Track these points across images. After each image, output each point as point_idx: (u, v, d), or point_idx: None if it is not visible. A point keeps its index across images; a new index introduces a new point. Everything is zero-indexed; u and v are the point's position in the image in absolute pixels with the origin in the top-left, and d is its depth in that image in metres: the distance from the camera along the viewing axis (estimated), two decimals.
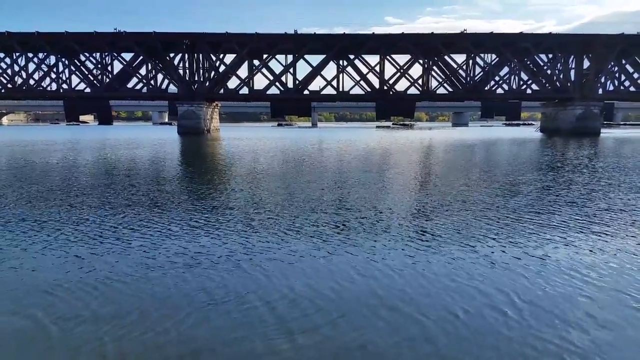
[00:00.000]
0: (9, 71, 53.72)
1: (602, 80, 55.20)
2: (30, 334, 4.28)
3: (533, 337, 4.17)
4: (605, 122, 62.90)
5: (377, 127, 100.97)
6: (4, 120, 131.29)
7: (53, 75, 53.75)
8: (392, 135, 55.56)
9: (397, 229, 8.13)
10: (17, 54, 52.89)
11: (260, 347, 4.01)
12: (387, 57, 53.80)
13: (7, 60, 53.59)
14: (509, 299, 5.02)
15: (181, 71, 53.58)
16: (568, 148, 30.22)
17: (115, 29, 51.53)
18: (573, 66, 54.55)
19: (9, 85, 53.54)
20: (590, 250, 6.75)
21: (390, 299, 5.02)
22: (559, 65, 54.69)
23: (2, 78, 53.60)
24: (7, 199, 11.09)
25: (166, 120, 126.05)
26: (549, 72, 55.10)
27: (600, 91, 55.02)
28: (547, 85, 54.95)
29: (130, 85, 54.99)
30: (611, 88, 55.56)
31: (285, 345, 4.04)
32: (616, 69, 55.01)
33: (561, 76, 54.52)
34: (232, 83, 55.32)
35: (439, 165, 20.08)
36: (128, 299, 5.02)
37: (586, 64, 54.22)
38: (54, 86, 54.20)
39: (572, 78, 54.19)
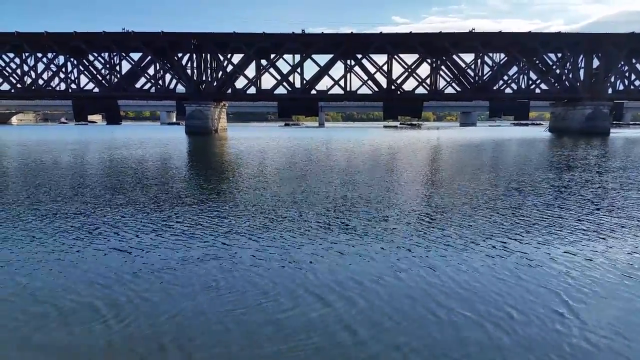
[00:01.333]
0: (18, 71, 54.05)
1: (612, 79, 54.80)
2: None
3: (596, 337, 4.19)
4: (614, 122, 62.38)
5: (385, 126, 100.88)
6: (14, 119, 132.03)
7: (62, 75, 54.02)
8: (401, 135, 55.39)
9: (431, 228, 8.20)
10: (27, 54, 53.21)
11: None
12: (395, 56, 53.61)
13: (17, 60, 53.93)
14: (560, 298, 5.03)
15: (189, 71, 53.69)
16: (580, 148, 29.96)
17: (124, 29, 51.83)
18: (582, 65, 54.17)
19: (18, 85, 53.87)
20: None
21: (441, 297, 5.07)
22: (568, 64, 54.31)
23: (11, 78, 53.94)
24: (50, 195, 11.16)
25: (174, 120, 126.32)
26: (558, 71, 54.73)
27: (609, 91, 54.59)
28: (556, 84, 54.59)
29: (138, 85, 55.19)
30: (621, 87, 55.11)
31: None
32: (626, 68, 54.56)
33: (570, 76, 54.13)
34: (240, 83, 55.47)
35: (457, 167, 19.88)
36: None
37: (595, 63, 53.84)
38: (62, 86, 54.53)
39: (582, 77, 53.81)
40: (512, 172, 16.94)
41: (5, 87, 54.03)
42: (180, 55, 54.11)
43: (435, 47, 52.35)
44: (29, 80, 54.21)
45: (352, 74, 53.81)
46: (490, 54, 54.57)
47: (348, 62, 53.45)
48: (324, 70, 53.22)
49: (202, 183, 14.33)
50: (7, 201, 10.77)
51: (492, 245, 7.07)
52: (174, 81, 55.09)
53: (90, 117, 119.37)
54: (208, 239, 7.40)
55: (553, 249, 6.84)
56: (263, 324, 4.43)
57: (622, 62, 53.77)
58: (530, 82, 54.75)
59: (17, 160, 22.41)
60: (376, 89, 53.78)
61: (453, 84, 55.17)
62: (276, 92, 54.47)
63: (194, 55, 53.27)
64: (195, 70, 53.55)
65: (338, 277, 5.66)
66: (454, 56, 53.73)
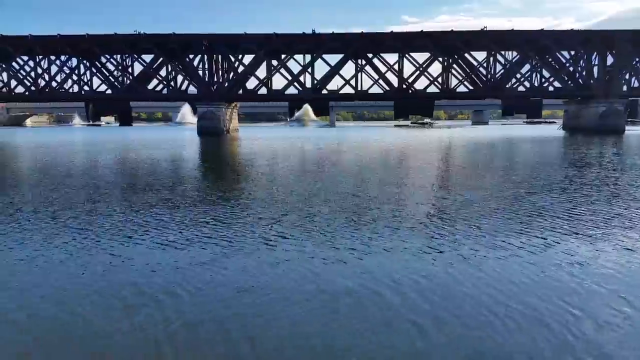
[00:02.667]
0: (32, 74, 54.62)
1: (626, 76, 54.13)
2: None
3: None
4: (628, 120, 61.61)
5: (396, 125, 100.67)
6: (28, 122, 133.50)
7: (75, 78, 54.50)
8: (415, 135, 55.14)
9: (464, 226, 8.26)
10: (40, 57, 53.78)
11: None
12: (406, 55, 53.40)
13: (31, 63, 54.50)
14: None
15: (200, 72, 53.89)
16: (599, 146, 29.60)
17: (135, 31, 52.09)
18: (596, 63, 53.56)
19: (32, 88, 54.47)
20: None
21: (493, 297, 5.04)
22: (581, 62, 53.76)
23: (25, 81, 54.55)
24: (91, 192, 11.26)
25: (184, 120, 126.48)
26: (571, 69, 54.19)
27: (624, 88, 53.92)
28: (569, 82, 54.03)
29: (150, 86, 55.48)
30: (636, 84, 54.41)
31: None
32: None
33: (584, 73, 53.58)
34: (251, 83, 55.47)
35: (478, 166, 19.72)
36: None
37: (609, 60, 53.20)
38: (75, 88, 54.96)
39: (595, 75, 53.22)
40: (540, 172, 16.78)
41: (20, 89, 54.67)
42: (191, 56, 54.34)
43: (446, 45, 52.08)
44: (42, 83, 54.78)
45: (363, 73, 53.69)
46: (503, 52, 54.13)
47: (359, 61, 53.32)
48: (334, 70, 53.15)
49: (226, 183, 14.37)
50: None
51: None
52: (186, 82, 55.35)
53: (103, 119, 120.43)
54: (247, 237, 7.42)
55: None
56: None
57: (637, 59, 53.10)
58: (543, 80, 54.28)
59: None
60: (387, 88, 53.60)
61: (465, 83, 54.84)
62: (287, 92, 54.53)
63: (205, 57, 53.46)
64: (206, 72, 53.74)
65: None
66: (466, 54, 53.39)
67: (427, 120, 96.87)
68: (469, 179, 15.34)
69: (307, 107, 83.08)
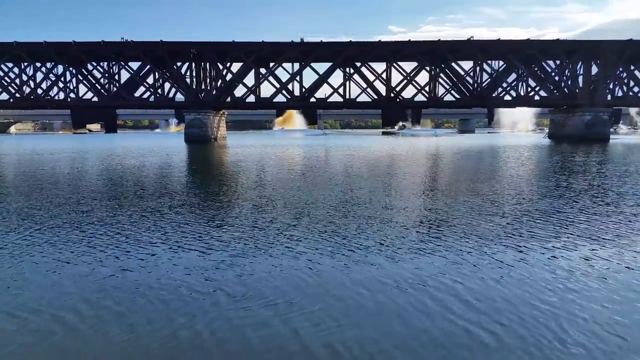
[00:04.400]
0: (17, 81, 54.06)
1: (611, 86, 54.98)
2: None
3: None
4: (612, 128, 62.52)
5: (383, 132, 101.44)
6: (12, 129, 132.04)
7: (61, 85, 54.02)
8: (407, 142, 55.29)
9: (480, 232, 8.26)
10: (25, 63, 53.24)
11: None
12: (394, 64, 53.78)
13: (16, 69, 53.96)
14: None
15: (188, 80, 53.68)
16: (585, 154, 29.89)
17: (122, 38, 51.79)
18: (581, 72, 54.32)
19: (17, 95, 53.85)
20: None
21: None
22: (566, 71, 54.49)
23: (10, 87, 53.92)
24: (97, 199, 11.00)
25: (171, 129, 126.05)
26: (556, 78, 54.90)
27: (608, 97, 54.72)
28: (555, 91, 54.72)
29: (137, 94, 55.12)
30: (620, 94, 55.31)
31: None
32: (625, 74, 54.77)
33: (569, 82, 54.29)
34: (239, 91, 55.40)
35: (473, 173, 19.73)
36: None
37: (594, 70, 54.01)
38: (61, 95, 54.47)
39: (580, 84, 53.95)
40: (537, 178, 16.83)
41: (4, 96, 54.04)
42: (179, 64, 54.16)
43: (434, 54, 52.57)
44: (27, 90, 54.20)
45: (351, 81, 53.93)
46: (489, 62, 54.74)
47: (347, 70, 53.55)
48: (323, 78, 53.30)
49: (214, 190, 14.19)
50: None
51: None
52: (173, 90, 55.14)
53: (88, 126, 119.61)
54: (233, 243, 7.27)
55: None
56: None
57: (621, 69, 53.97)
58: (529, 89, 54.92)
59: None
60: (375, 97, 53.84)
61: (452, 92, 55.33)
62: (275, 100, 54.52)
63: (193, 64, 53.31)
64: (194, 79, 53.56)
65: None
66: (453, 64, 53.90)
67: (401, 123, 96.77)
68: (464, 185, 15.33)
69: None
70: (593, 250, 7.17)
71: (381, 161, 27.02)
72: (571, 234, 8.25)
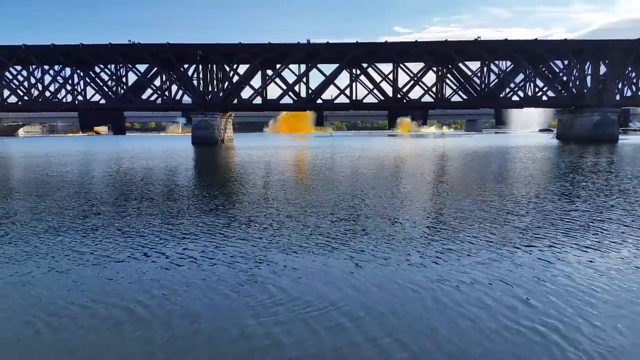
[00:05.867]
0: (25, 84, 54.43)
1: (619, 86, 54.57)
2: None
3: None
4: (620, 129, 62.01)
5: (389, 135, 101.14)
6: (20, 132, 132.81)
7: (68, 87, 54.31)
8: (417, 144, 55.15)
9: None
10: (34, 66, 53.60)
11: None
12: (401, 65, 53.66)
13: (24, 72, 54.39)
14: None
15: (195, 82, 53.80)
16: (595, 155, 29.65)
17: (130, 41, 52.00)
18: (589, 72, 53.95)
19: (26, 98, 54.19)
20: None
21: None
22: (574, 71, 54.15)
23: (18, 90, 54.28)
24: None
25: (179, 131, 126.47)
26: (564, 78, 54.58)
27: (617, 97, 54.32)
28: (562, 92, 54.40)
29: (144, 96, 55.31)
30: (629, 94, 54.86)
31: None
32: (633, 74, 54.33)
33: (577, 82, 53.95)
34: (246, 93, 55.47)
35: (486, 175, 19.61)
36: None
37: (602, 70, 53.64)
38: (69, 98, 54.74)
39: (589, 84, 53.59)
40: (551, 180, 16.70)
41: (13, 99, 54.40)
42: (186, 66, 54.29)
43: (440, 55, 52.40)
44: (36, 93, 54.53)
45: (357, 83, 53.86)
46: (496, 62, 54.47)
47: (354, 71, 53.49)
48: (329, 80, 53.27)
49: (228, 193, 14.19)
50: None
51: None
52: (180, 92, 55.26)
53: (96, 129, 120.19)
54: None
55: None
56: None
57: (630, 69, 53.55)
58: (537, 90, 54.61)
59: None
60: (382, 98, 53.73)
61: (459, 92, 55.13)
62: (282, 101, 54.54)
63: (200, 66, 53.43)
64: (201, 81, 53.68)
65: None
66: (460, 64, 53.73)
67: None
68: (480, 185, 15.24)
69: None
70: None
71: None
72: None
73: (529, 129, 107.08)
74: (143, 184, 17.02)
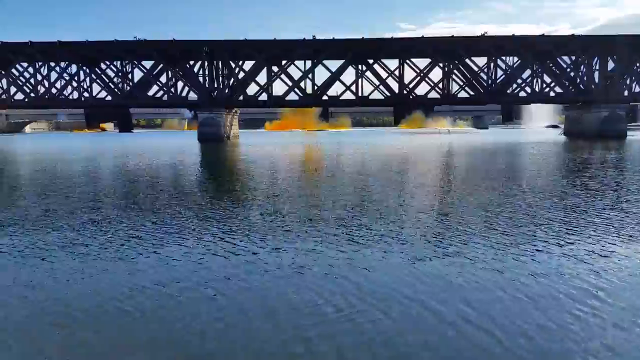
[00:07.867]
0: (31, 80, 54.51)
1: (627, 81, 54.04)
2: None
3: None
4: (629, 125, 61.36)
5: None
6: (27, 128, 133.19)
7: (74, 84, 54.36)
8: (428, 140, 54.90)
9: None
10: (40, 63, 53.69)
11: None
12: (407, 61, 53.33)
13: (30, 69, 54.43)
14: None
15: (201, 78, 53.73)
16: (604, 151, 29.36)
17: (135, 37, 52.00)
18: (597, 68, 53.48)
19: (32, 95, 54.32)
20: None
21: None
22: (582, 67, 53.69)
23: (25, 87, 54.42)
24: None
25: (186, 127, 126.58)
26: (572, 74, 54.13)
27: (625, 93, 53.82)
28: (570, 87, 53.97)
29: (150, 92, 55.30)
30: (637, 89, 54.27)
31: None
32: None
33: (584, 78, 53.50)
34: (251, 89, 55.26)
35: (501, 172, 19.49)
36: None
37: (610, 65, 53.15)
38: (75, 94, 54.80)
39: (596, 80, 53.12)
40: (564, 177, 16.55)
41: (19, 96, 54.54)
42: (192, 62, 54.21)
43: (447, 51, 52.05)
44: (42, 89, 54.63)
45: (363, 79, 53.60)
46: (503, 58, 54.06)
47: (359, 67, 53.24)
48: (335, 76, 53.07)
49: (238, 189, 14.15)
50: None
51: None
52: (186, 89, 55.17)
53: (102, 125, 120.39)
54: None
55: None
56: None
57: (638, 64, 53.02)
58: (544, 86, 54.20)
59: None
60: (388, 94, 53.44)
61: (466, 88, 54.75)
62: (288, 98, 54.40)
63: (206, 63, 53.33)
64: (207, 78, 53.59)
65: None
66: (467, 60, 53.34)
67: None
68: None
69: None
70: None
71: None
72: None
73: (537, 125, 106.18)
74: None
